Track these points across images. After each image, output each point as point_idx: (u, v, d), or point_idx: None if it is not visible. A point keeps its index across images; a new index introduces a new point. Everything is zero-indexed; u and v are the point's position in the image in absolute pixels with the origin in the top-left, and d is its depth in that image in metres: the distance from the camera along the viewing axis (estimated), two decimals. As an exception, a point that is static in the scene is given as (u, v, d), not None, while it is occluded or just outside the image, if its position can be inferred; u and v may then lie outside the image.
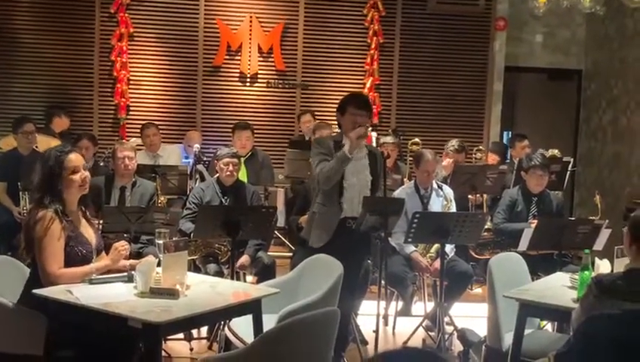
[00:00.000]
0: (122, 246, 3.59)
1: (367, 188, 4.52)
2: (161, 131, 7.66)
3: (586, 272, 3.53)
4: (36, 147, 6.52)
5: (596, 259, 3.89)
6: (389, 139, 6.83)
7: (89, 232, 3.63)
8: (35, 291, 3.32)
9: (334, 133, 5.15)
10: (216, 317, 3.85)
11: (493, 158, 7.54)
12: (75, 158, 3.54)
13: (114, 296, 3.28)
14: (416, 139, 7.59)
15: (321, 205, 4.53)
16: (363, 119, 4.45)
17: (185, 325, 3.57)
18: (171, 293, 3.29)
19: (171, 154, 7.31)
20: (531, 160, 5.63)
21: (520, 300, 3.68)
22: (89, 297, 3.21)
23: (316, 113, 8.18)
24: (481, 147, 7.48)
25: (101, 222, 4.71)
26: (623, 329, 2.50)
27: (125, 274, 3.51)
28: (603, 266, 3.85)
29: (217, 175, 5.46)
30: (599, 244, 4.99)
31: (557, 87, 9.69)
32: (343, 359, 4.47)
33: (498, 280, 4.01)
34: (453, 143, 6.80)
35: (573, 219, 6.52)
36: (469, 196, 6.35)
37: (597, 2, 6.15)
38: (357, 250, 4.44)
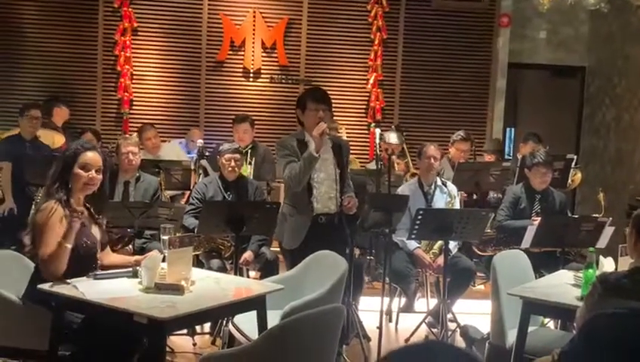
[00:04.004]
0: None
1: (336, 182, 4.44)
2: (163, 126, 7.62)
3: (590, 270, 3.53)
4: (38, 136, 6.54)
5: (600, 257, 3.88)
6: (392, 135, 6.81)
7: (94, 226, 3.63)
8: (39, 286, 3.32)
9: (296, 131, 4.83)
10: (222, 313, 3.85)
11: (489, 157, 7.50)
12: (91, 157, 3.52)
13: (119, 291, 3.29)
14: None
15: (291, 207, 4.49)
16: (324, 113, 4.38)
17: (190, 321, 3.59)
18: (176, 289, 3.29)
19: (170, 152, 7.25)
20: (535, 157, 5.59)
21: (524, 298, 3.67)
22: (94, 292, 3.22)
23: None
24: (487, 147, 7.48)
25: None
26: (628, 327, 2.50)
27: (130, 269, 3.53)
28: (607, 264, 3.85)
29: (220, 170, 5.47)
30: (602, 242, 4.98)
31: (560, 84, 9.67)
32: (342, 355, 4.45)
33: (502, 277, 4.01)
34: (459, 133, 6.87)
35: (576, 216, 6.51)
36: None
37: (601, -1, 6.14)
38: (333, 243, 4.22)
